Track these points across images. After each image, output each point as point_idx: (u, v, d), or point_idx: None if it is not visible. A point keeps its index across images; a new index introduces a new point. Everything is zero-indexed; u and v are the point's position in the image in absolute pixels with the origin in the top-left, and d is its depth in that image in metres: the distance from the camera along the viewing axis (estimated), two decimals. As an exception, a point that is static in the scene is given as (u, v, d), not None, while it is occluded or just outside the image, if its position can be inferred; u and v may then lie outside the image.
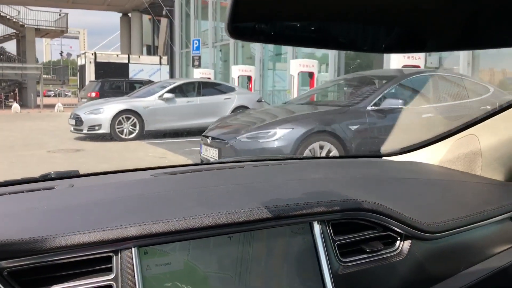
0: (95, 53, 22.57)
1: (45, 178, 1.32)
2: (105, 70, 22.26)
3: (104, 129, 11.28)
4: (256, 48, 21.14)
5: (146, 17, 31.54)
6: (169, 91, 12.20)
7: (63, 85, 34.98)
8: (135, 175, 1.39)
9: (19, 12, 31.52)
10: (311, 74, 14.27)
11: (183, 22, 27.43)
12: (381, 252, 1.05)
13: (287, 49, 19.15)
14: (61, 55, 68.09)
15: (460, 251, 1.20)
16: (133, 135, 11.53)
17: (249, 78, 17.87)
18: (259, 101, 13.49)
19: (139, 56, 23.73)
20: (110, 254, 0.89)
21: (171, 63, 25.09)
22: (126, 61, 23.05)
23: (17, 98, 28.21)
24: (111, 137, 11.31)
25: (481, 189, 1.40)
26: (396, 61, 10.25)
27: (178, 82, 12.84)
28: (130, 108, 11.64)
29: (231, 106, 12.85)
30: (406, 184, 1.36)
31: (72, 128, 11.85)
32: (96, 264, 0.88)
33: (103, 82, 18.87)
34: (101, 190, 1.19)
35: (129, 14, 30.53)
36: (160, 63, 23.66)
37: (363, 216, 1.05)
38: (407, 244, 1.08)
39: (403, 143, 1.71)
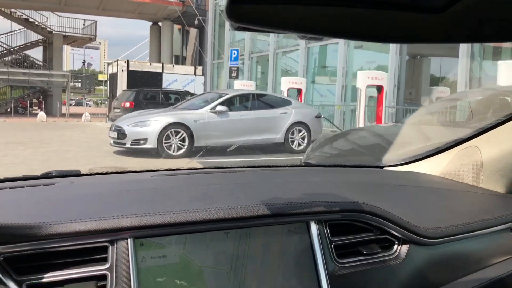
0: (127, 61, 21.40)
1: (46, 175, 1.31)
2: (137, 79, 21.10)
3: (150, 144, 9.92)
4: (300, 59, 19.91)
5: (175, 27, 30.50)
6: (222, 103, 10.82)
7: (89, 93, 34.04)
8: (135, 176, 1.37)
9: (47, 18, 30.72)
10: (379, 88, 12.69)
11: (216, 32, 26.35)
12: (378, 255, 1.02)
13: (334, 61, 17.86)
14: (84, 64, 67.82)
15: (458, 258, 1.17)
16: (182, 151, 10.16)
17: (299, 91, 16.70)
18: (318, 116, 12.07)
19: (173, 66, 22.51)
20: (106, 244, 0.88)
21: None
22: (160, 71, 21.84)
23: (43, 106, 27.21)
24: (157, 152, 9.95)
25: (482, 199, 1.39)
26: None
27: (230, 93, 11.46)
28: (179, 121, 10.28)
29: (287, 121, 11.45)
30: (405, 191, 1.35)
31: (112, 141, 10.54)
32: (92, 254, 0.88)
33: (137, 91, 17.63)
34: (101, 186, 1.19)
35: (160, 23, 29.47)
36: (195, 74, 22.40)
37: (361, 218, 1.03)
38: (405, 248, 1.06)
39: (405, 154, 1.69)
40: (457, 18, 0.54)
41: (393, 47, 14.05)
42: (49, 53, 30.62)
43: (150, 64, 22.03)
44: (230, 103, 11.05)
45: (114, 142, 10.42)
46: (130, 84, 20.88)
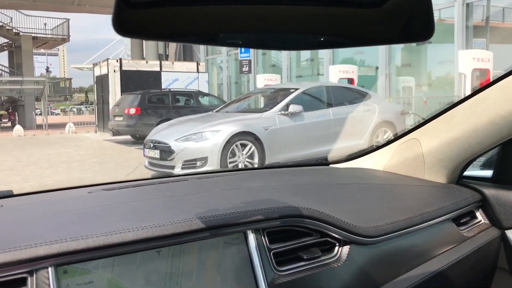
0: (120, 60, 18.23)
1: None
2: (133, 80, 18.02)
3: (212, 165, 7.02)
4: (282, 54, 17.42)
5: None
6: (294, 102, 8.00)
7: (66, 101, 30.41)
8: (72, 193, 1.31)
9: (11, 18, 27.06)
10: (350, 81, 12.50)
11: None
12: (319, 259, 1.01)
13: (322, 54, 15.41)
14: (47, 70, 63.51)
15: (401, 254, 1.17)
16: (252, 172, 7.27)
17: (351, 81, 14.18)
18: (404, 113, 9.40)
19: (173, 63, 19.46)
20: (25, 275, 0.82)
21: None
22: (158, 69, 18.81)
23: (15, 118, 23.65)
24: (220, 176, 7.03)
25: (423, 192, 1.40)
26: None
27: (301, 87, 8.58)
28: (246, 129, 7.40)
29: (372, 121, 8.72)
30: (347, 189, 1.34)
31: (147, 163, 7.63)
32: (11, 287, 0.82)
33: (143, 94, 14.60)
34: (29, 209, 1.11)
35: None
36: (198, 71, 19.41)
37: (299, 222, 1.01)
38: (345, 249, 1.05)
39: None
40: (393, 13, 0.54)
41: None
42: (16, 58, 26.97)
43: (146, 62, 18.95)
44: (300, 101, 8.22)
45: (153, 164, 7.50)
46: (125, 86, 17.79)
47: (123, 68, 18.07)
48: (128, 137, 15.60)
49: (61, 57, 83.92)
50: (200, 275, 0.92)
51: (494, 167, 1.49)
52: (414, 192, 1.41)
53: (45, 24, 28.36)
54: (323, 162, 1.78)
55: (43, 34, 28.08)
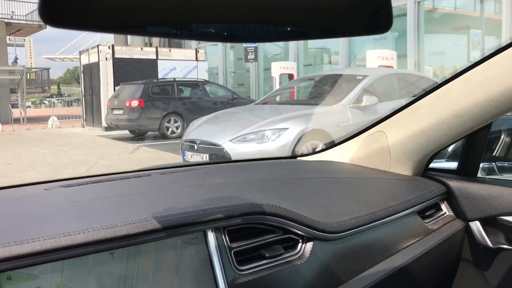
0: (113, 47, 16.36)
1: None
2: (126, 69, 16.25)
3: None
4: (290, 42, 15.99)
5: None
6: (368, 92, 6.52)
7: (44, 93, 28.18)
8: (27, 190, 1.21)
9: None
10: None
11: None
12: (281, 256, 0.99)
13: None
14: (16, 61, 60.37)
15: (366, 249, 1.15)
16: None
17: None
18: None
19: (170, 50, 17.66)
20: None
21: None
22: (154, 57, 17.03)
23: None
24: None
25: (388, 185, 1.40)
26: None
27: (369, 74, 7.08)
28: (318, 127, 5.89)
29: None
30: (311, 184, 1.32)
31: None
32: None
33: (146, 84, 12.89)
34: None
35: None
36: (197, 59, 17.71)
37: (261, 220, 0.98)
38: (309, 246, 1.03)
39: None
40: (358, 5, 0.55)
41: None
42: (-13, 45, 24.59)
43: (141, 49, 17.09)
44: (369, 91, 6.75)
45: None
46: (118, 76, 16.00)
47: (116, 56, 16.24)
48: (124, 132, 13.89)
49: (27, 48, 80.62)
50: (156, 277, 0.87)
51: (459, 159, 1.48)
52: (380, 185, 1.39)
53: (12, 12, 26.07)
54: (292, 155, 1.78)
55: (17, 20, 25.76)
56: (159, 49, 17.19)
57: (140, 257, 0.87)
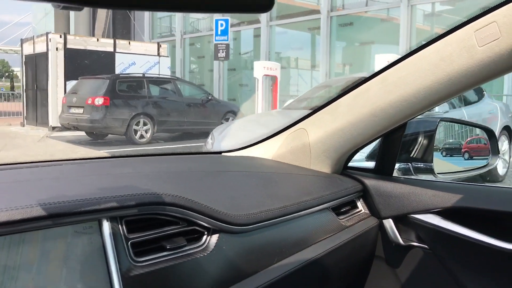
0: (65, 35, 14.23)
1: None
2: (79, 62, 14.22)
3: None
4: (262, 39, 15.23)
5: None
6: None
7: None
8: None
9: None
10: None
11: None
12: (183, 249, 0.95)
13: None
14: None
15: (275, 243, 1.13)
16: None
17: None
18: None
19: (129, 43, 15.76)
20: None
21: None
22: (111, 49, 15.11)
23: None
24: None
25: (305, 181, 1.40)
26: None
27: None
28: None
29: (496, 126, 6.44)
30: (225, 177, 1.31)
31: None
32: None
33: (112, 80, 11.13)
34: None
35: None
36: (159, 54, 15.98)
37: (162, 210, 0.94)
38: (214, 238, 1.00)
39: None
40: None
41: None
42: None
43: (97, 39, 15.09)
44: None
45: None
46: (70, 69, 14.03)
47: (69, 46, 14.19)
48: (77, 133, 12.00)
49: None
50: (41, 268, 0.81)
51: (376, 159, 1.50)
52: (296, 181, 1.39)
53: None
54: (216, 150, 1.73)
55: None
56: (117, 41, 15.27)
57: (24, 246, 0.81)
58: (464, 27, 1.09)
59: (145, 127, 11.25)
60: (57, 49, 13.97)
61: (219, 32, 15.23)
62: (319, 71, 15.39)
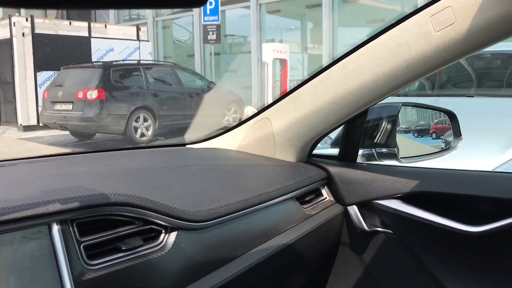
0: (32, 18, 12.13)
1: None
2: (51, 49, 12.27)
3: None
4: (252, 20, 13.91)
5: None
6: None
7: None
8: None
9: None
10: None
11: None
12: (140, 249, 0.92)
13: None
14: None
15: (238, 237, 1.10)
16: None
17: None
18: None
19: (106, 26, 13.80)
20: None
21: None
22: (86, 34, 13.15)
23: None
24: None
25: (268, 171, 1.39)
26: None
27: None
28: None
29: None
30: (186, 172, 1.24)
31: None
32: None
33: (106, 68, 9.37)
34: None
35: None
36: (138, 38, 14.18)
37: (115, 211, 0.91)
38: (172, 237, 0.97)
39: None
40: None
41: None
42: None
43: (70, 23, 13.07)
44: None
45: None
46: (40, 57, 12.08)
47: (37, 31, 12.16)
48: (56, 133, 10.23)
49: None
50: None
51: (340, 146, 1.50)
52: (259, 172, 1.38)
53: None
54: (180, 143, 1.70)
55: None
56: (92, 25, 13.33)
57: None
58: (420, 12, 1.09)
59: (145, 124, 9.60)
60: (23, 34, 11.93)
61: (208, 12, 13.63)
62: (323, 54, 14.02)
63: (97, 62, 10.42)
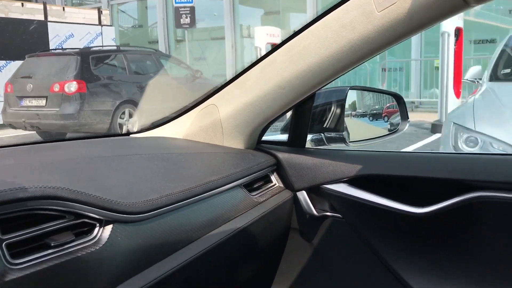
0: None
1: None
2: (0, 35, 10.56)
3: None
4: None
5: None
6: None
7: None
8: None
9: None
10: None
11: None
12: (71, 244, 0.86)
13: None
14: None
15: (181, 227, 1.06)
16: None
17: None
18: None
19: (63, 8, 12.12)
20: None
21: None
22: (42, 17, 11.47)
23: None
24: None
25: (215, 159, 1.34)
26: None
27: None
28: None
29: None
30: (125, 162, 1.18)
31: None
32: None
33: (84, 55, 7.91)
34: None
35: None
36: (100, 23, 12.64)
37: (42, 205, 0.84)
38: (107, 230, 0.91)
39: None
40: None
41: None
42: None
43: (22, 4, 11.30)
44: None
45: None
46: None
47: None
48: (13, 132, 8.74)
49: None
50: None
51: (289, 131, 1.48)
52: (205, 160, 1.32)
53: None
54: (125, 132, 1.67)
55: None
56: (48, 7, 11.65)
57: None
58: None
59: (131, 119, 8.29)
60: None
61: (181, -7, 12.35)
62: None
63: (70, 48, 8.84)
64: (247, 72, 1.34)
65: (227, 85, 1.40)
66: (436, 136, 7.89)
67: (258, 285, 1.44)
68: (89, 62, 7.88)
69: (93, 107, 7.72)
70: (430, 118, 9.76)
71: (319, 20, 1.15)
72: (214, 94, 1.43)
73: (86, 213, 0.88)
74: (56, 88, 7.51)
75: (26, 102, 7.85)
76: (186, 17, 12.29)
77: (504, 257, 1.22)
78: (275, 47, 1.27)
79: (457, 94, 8.15)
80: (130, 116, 8.29)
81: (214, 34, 14.99)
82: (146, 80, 8.83)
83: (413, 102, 11.47)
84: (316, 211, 1.38)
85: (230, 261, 1.22)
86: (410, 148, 6.60)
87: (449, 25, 7.81)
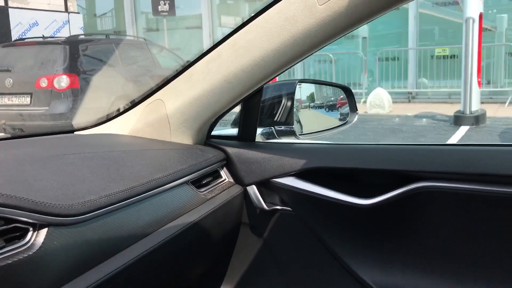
0: None
1: None
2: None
3: None
4: None
5: None
6: None
7: None
8: None
9: None
10: None
11: None
12: (2, 251, 0.83)
13: None
14: None
15: (123, 228, 1.02)
16: None
17: None
18: None
19: (26, -7, 10.78)
20: None
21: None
22: (2, 3, 10.13)
23: None
24: None
25: (161, 156, 1.30)
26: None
27: None
28: None
29: None
30: (62, 161, 1.12)
31: None
32: None
33: (72, 44, 6.81)
34: None
35: None
36: (67, 10, 11.40)
37: None
38: (42, 234, 0.87)
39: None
40: None
41: None
42: None
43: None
44: None
45: None
46: None
47: None
48: None
49: None
50: None
51: (238, 125, 1.47)
52: (149, 157, 1.27)
53: None
54: (69, 129, 1.57)
55: None
56: (9, -11, 10.32)
57: None
58: None
59: (127, 118, 7.29)
60: None
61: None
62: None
63: (55, 37, 7.69)
64: (194, 66, 1.30)
65: (173, 79, 1.35)
66: (464, 128, 7.45)
67: (209, 281, 1.44)
68: (79, 52, 6.81)
69: (86, 105, 6.67)
70: (436, 109, 9.35)
71: (263, 13, 1.14)
72: (160, 89, 1.38)
73: (16, 217, 0.85)
74: (44, 83, 6.41)
75: (5, 100, 6.67)
76: (165, 4, 11.28)
77: (448, 244, 1.23)
78: (220, 40, 1.25)
79: (479, 84, 7.75)
80: (125, 113, 7.32)
81: (193, 22, 14.00)
82: (140, 72, 7.84)
83: (410, 93, 11.07)
84: (266, 205, 1.38)
85: (178, 259, 1.20)
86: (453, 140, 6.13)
87: (474, 10, 7.34)
